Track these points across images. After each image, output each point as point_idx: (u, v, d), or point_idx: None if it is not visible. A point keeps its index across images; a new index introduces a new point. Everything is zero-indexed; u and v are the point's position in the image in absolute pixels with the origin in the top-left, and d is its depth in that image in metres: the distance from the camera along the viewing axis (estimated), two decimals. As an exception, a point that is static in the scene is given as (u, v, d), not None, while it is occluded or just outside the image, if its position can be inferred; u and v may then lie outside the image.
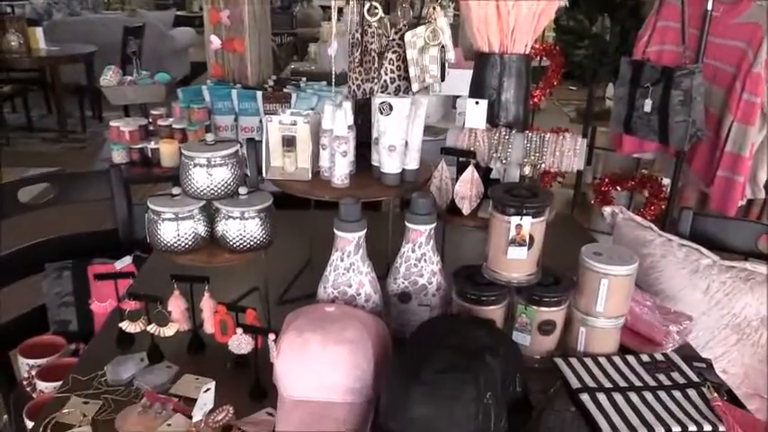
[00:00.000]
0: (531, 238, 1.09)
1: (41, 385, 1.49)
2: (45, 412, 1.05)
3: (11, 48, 4.92)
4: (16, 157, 4.84)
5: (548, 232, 1.14)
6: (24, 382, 1.57)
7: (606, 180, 2.87)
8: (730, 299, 1.43)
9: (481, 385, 0.92)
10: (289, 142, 1.24)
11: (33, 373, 1.52)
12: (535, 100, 2.94)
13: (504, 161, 1.26)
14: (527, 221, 1.08)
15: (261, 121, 2.50)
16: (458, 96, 2.72)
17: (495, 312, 1.14)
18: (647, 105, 2.26)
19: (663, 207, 2.74)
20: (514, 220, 1.07)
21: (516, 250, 1.09)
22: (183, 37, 7.19)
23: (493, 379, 0.95)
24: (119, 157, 2.54)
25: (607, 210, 1.63)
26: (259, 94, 2.49)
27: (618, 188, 2.86)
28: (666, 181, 2.80)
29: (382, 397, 0.96)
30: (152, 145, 2.56)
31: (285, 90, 2.54)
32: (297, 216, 1.67)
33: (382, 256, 1.32)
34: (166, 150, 2.51)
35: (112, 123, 2.60)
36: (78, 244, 1.75)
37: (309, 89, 2.52)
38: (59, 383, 1.12)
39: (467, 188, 1.23)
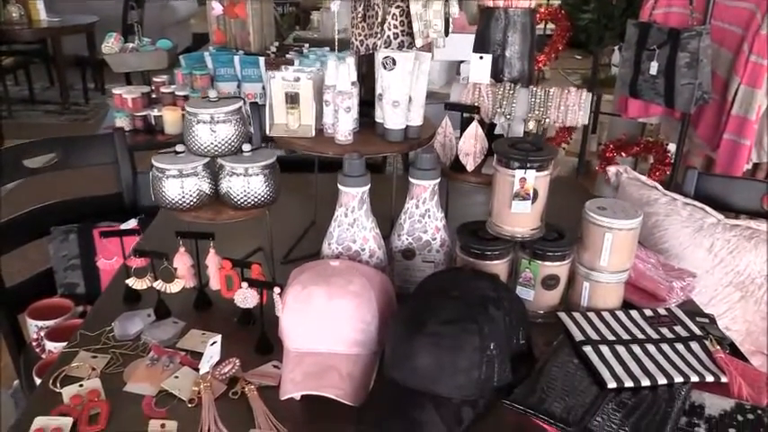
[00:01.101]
0: (535, 191, 1.09)
1: (50, 345, 1.51)
2: (54, 367, 1.06)
3: (11, 19, 4.87)
4: (19, 129, 4.83)
5: (552, 196, 1.14)
6: (33, 344, 1.58)
7: (611, 146, 2.86)
8: (734, 257, 1.43)
9: (485, 336, 0.93)
10: (292, 99, 1.23)
11: (42, 333, 1.54)
12: (540, 65, 2.91)
13: (508, 116, 1.25)
14: (531, 175, 1.07)
15: (264, 88, 2.49)
16: (461, 62, 2.70)
17: (498, 267, 1.15)
18: (653, 68, 2.24)
19: (668, 173, 2.73)
20: (518, 173, 1.07)
21: (520, 204, 1.09)
22: (184, 7, 7.11)
23: (497, 330, 0.96)
24: (122, 124, 2.54)
25: (611, 170, 1.63)
26: (261, 60, 2.47)
27: (622, 154, 2.85)
28: (671, 147, 2.79)
29: (387, 347, 0.97)
30: (155, 112, 2.56)
31: (288, 56, 2.52)
32: (301, 179, 1.67)
33: (386, 219, 1.32)
34: (170, 117, 2.51)
35: (115, 91, 2.60)
36: (83, 208, 1.76)
37: (312, 55, 2.51)
38: (59, 355, 1.12)
39: (471, 144, 1.23)
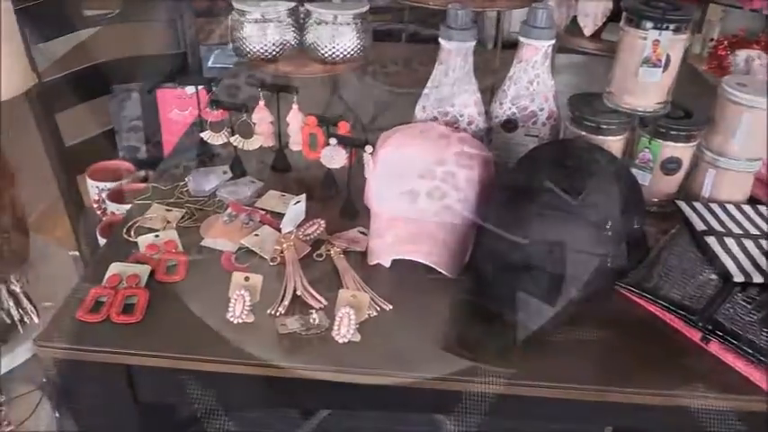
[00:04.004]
0: (668, 58, 1.01)
1: (112, 207, 1.54)
2: (127, 217, 1.07)
3: None
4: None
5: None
6: (94, 205, 1.62)
7: (724, 42, 2.67)
8: None
9: (602, 210, 0.89)
10: (390, -60, 1.16)
11: (104, 195, 1.58)
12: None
13: (641, -28, 1.16)
14: (666, 37, 0.99)
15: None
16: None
17: (614, 145, 1.09)
18: (794, -55, 2.05)
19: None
20: (652, 34, 0.99)
21: (649, 71, 1.02)
22: None
23: (614, 207, 0.92)
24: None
25: (741, 54, 1.53)
26: None
27: (737, 53, 2.66)
28: (796, 48, 2.59)
29: (491, 214, 0.94)
30: (218, -26, 2.49)
31: None
32: (388, 48, 1.62)
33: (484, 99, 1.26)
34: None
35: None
36: (145, 66, 1.74)
37: None
38: (130, 207, 1.13)
39: (594, 3, 1.15)
